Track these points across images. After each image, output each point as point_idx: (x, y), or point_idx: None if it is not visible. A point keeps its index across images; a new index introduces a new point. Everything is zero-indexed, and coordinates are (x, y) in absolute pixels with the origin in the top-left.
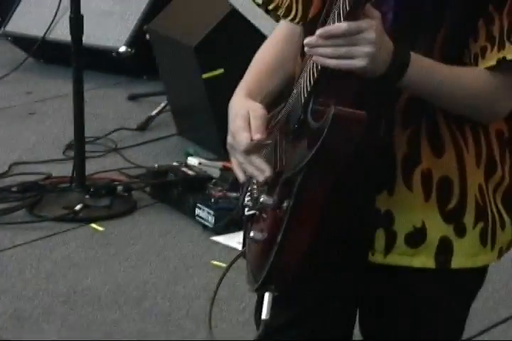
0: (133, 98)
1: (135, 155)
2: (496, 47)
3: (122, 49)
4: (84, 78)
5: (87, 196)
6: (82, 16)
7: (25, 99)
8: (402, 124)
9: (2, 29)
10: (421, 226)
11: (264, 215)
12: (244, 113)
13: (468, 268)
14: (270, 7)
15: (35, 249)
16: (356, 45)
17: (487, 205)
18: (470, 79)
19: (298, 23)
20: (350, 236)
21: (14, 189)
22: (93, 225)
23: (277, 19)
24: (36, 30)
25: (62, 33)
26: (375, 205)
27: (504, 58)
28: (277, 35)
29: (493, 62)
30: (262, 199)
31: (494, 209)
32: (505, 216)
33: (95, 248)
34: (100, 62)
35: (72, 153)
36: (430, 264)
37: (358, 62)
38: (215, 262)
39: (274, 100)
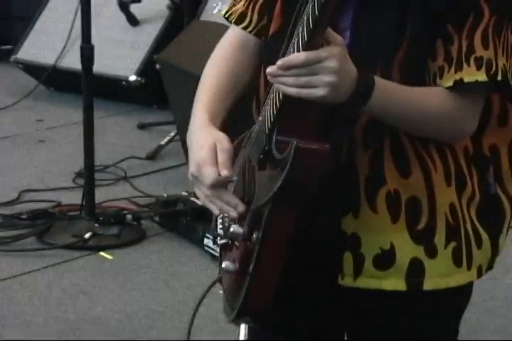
0: (143, 127)
1: (144, 184)
2: (453, 68)
3: (132, 78)
4: (95, 106)
5: (97, 224)
6: (92, 46)
7: (36, 127)
8: (363, 145)
9: (13, 56)
10: (389, 248)
11: (236, 244)
12: (211, 144)
13: (443, 289)
14: (226, 15)
15: (45, 276)
16: (317, 74)
17: (460, 224)
18: (432, 100)
19: (251, 32)
20: (319, 261)
21: (24, 216)
22: (102, 253)
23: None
24: (47, 58)
25: (72, 61)
26: (340, 228)
27: (461, 80)
28: (228, 45)
29: (450, 83)
30: (232, 230)
31: (469, 227)
32: (482, 233)
33: (104, 276)
34: (110, 90)
35: (81, 181)
36: (401, 286)
37: (319, 92)
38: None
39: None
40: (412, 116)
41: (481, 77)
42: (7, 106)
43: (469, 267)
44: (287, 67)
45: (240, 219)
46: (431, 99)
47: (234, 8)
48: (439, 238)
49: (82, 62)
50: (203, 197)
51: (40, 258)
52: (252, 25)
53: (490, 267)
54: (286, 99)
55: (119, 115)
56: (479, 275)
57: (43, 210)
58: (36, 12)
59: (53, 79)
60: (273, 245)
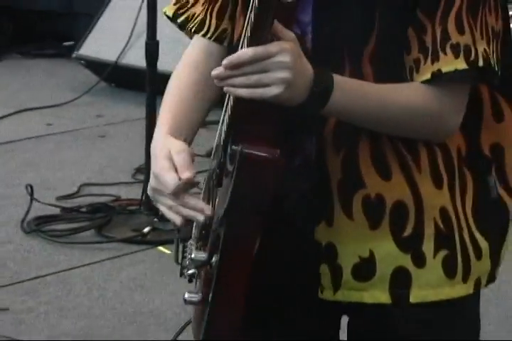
0: (203, 125)
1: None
2: (429, 59)
3: None
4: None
5: (156, 219)
6: (157, 42)
7: (96, 122)
8: (333, 147)
9: (75, 52)
10: (368, 256)
11: (201, 273)
12: (166, 152)
13: (432, 301)
14: (179, 20)
15: (103, 269)
16: (268, 71)
17: (453, 231)
18: (406, 96)
19: (211, 38)
20: (295, 276)
21: (83, 209)
22: (160, 248)
23: (190, 36)
24: (109, 55)
25: (134, 58)
26: (314, 238)
27: (439, 71)
28: (191, 54)
29: (427, 76)
30: (193, 256)
31: (466, 235)
32: (481, 242)
33: (162, 270)
34: None
35: (140, 177)
36: (385, 299)
37: (273, 90)
38: None
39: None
40: (383, 116)
41: (460, 65)
42: (68, 101)
43: (465, 279)
44: (234, 66)
45: (201, 245)
46: (405, 95)
47: (188, 13)
48: (427, 245)
49: (147, 58)
50: (166, 210)
51: (98, 251)
52: (211, 30)
53: (491, 279)
54: (238, 104)
55: None
56: (477, 287)
57: (103, 204)
58: (99, 9)
59: (114, 76)
60: (232, 266)
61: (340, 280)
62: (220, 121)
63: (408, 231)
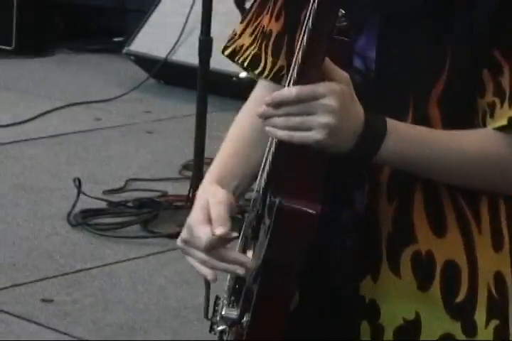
0: None
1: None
2: (506, 104)
3: (243, 74)
4: None
5: None
6: (211, 39)
7: (144, 118)
8: (387, 196)
9: (126, 48)
10: (414, 319)
11: (233, 331)
12: (204, 202)
13: None
14: (226, 53)
15: (148, 264)
16: (311, 114)
17: (508, 299)
18: (474, 144)
19: (267, 77)
20: (334, 330)
21: (130, 204)
22: None
23: (243, 68)
24: (159, 51)
25: (184, 55)
26: (358, 293)
27: None
28: (255, 95)
29: (503, 122)
30: (223, 312)
31: None
32: None
33: None
34: (221, 86)
35: (187, 173)
36: None
37: (314, 135)
38: None
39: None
40: (445, 165)
41: None
42: (116, 96)
43: None
44: (277, 105)
45: (234, 301)
46: (473, 142)
47: (235, 44)
48: (480, 313)
49: (200, 55)
50: (197, 263)
51: (144, 246)
52: (268, 68)
53: None
54: (281, 149)
55: (228, 111)
56: None
57: (149, 199)
58: (151, 5)
59: (163, 73)
60: (264, 328)
61: (380, 340)
62: (261, 168)
63: (461, 297)
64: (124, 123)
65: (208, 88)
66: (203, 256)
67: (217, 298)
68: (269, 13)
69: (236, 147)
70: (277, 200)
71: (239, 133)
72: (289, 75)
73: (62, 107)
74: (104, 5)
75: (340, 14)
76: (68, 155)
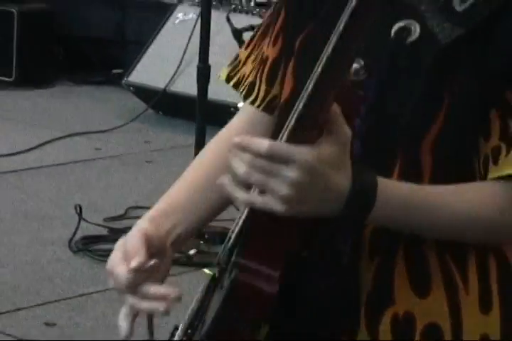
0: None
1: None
2: None
3: (241, 104)
4: None
5: (202, 242)
6: (209, 66)
7: (143, 148)
8: (368, 253)
9: (125, 79)
10: None
11: None
12: (123, 240)
13: None
14: (231, 83)
15: None
16: (273, 176)
17: None
18: (466, 205)
19: (259, 107)
20: None
21: None
22: (206, 270)
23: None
24: (158, 82)
25: (183, 85)
26: None
27: None
28: (233, 124)
29: (508, 171)
30: None
31: None
32: None
33: None
34: (219, 117)
35: None
36: None
37: (274, 205)
38: None
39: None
40: (434, 226)
41: None
42: (115, 127)
43: None
44: (242, 149)
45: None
46: (469, 197)
47: (239, 74)
48: None
49: (198, 82)
50: (121, 315)
51: None
52: (260, 97)
53: None
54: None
55: None
56: None
57: None
58: (150, 37)
59: (162, 104)
60: None
61: None
62: (239, 216)
63: None
64: (124, 152)
65: (206, 118)
66: (131, 299)
67: (175, 328)
68: (269, 37)
69: (191, 177)
70: (234, 272)
71: (198, 164)
72: (284, 128)
73: (62, 137)
74: (103, 37)
75: (359, 66)
76: (69, 184)
